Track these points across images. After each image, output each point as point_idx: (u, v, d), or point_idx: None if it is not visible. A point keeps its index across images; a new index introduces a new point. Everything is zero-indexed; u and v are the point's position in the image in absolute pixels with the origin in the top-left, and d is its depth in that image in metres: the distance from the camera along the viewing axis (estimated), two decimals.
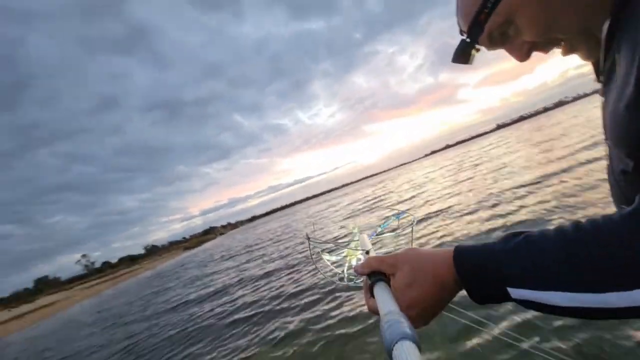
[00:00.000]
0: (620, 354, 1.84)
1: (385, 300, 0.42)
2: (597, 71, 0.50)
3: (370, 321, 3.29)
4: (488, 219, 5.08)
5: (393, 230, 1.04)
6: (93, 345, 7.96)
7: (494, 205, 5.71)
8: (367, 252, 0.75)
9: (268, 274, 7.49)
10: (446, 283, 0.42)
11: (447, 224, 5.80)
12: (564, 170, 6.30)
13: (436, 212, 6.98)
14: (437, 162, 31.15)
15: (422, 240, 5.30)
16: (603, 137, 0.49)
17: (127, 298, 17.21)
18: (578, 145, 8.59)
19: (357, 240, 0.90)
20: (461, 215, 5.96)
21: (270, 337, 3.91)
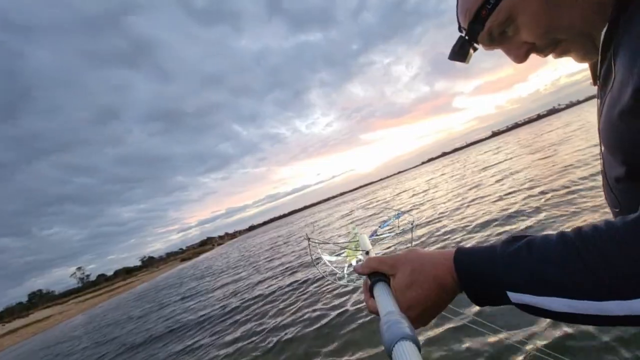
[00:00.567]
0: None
1: (385, 300, 0.42)
2: (594, 75, 0.49)
3: (370, 321, 3.33)
4: (489, 223, 5.08)
5: (393, 231, 1.03)
6: None
7: (495, 209, 5.72)
8: (367, 253, 0.76)
9: (265, 280, 7.38)
10: (446, 284, 0.42)
11: (447, 223, 5.80)
12: (563, 176, 6.34)
13: (439, 214, 6.98)
14: (435, 169, 31.43)
15: (422, 240, 5.33)
16: (598, 141, 0.48)
17: (121, 311, 16.98)
18: (576, 153, 8.68)
19: (357, 240, 0.91)
20: (461, 218, 5.97)
21: (270, 338, 3.94)
